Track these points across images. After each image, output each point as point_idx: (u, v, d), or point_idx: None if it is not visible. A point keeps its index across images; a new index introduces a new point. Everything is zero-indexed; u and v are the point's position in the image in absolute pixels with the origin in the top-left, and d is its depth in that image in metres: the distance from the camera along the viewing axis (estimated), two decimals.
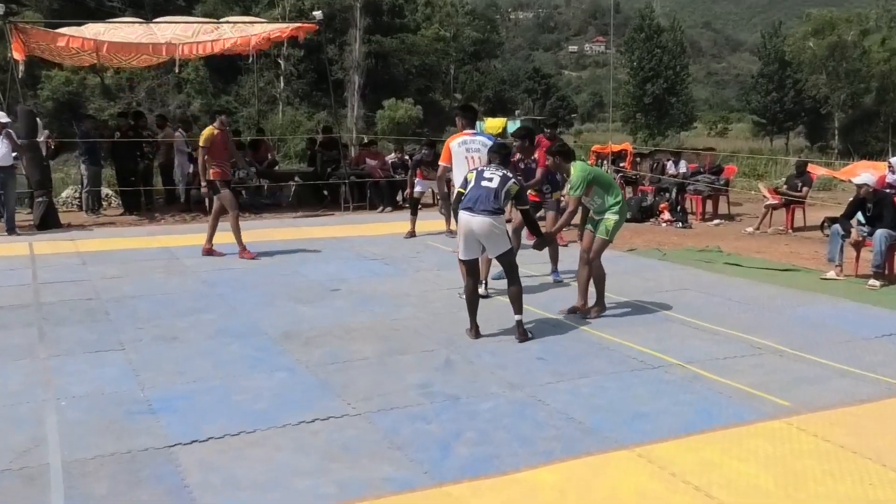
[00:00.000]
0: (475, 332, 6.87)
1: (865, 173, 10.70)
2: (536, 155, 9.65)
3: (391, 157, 17.96)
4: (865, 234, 9.77)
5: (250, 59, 15.97)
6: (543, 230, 7.79)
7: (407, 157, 17.44)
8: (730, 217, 15.62)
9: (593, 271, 7.62)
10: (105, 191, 16.74)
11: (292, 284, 9.11)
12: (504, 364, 6.15)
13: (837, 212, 11.39)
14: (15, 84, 14.21)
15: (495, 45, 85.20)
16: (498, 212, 6.64)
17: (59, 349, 6.54)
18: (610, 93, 43.84)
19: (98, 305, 8.07)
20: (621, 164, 18.72)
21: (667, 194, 15.55)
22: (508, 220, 7.56)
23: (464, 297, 7.06)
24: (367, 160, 17.11)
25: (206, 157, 10.39)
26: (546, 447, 4.61)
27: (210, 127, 10.51)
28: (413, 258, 10.80)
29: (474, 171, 6.93)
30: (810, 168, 15.09)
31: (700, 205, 15.66)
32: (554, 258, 9.35)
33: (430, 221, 13.44)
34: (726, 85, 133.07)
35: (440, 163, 8.49)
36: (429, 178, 13.13)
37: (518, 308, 6.78)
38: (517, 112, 68.96)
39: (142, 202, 16.35)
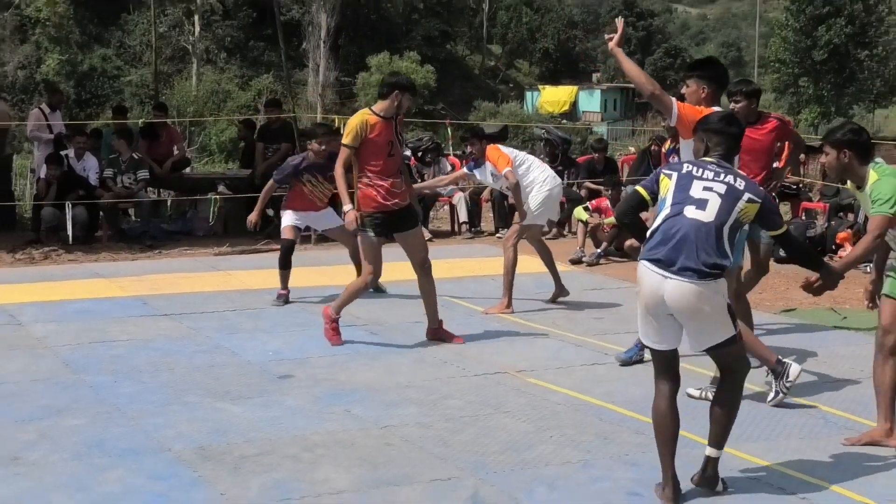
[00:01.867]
0: (672, 488, 6.17)
1: None
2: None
3: None
4: None
5: None
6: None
7: (409, 153, 17.61)
8: None
9: None
10: None
11: (214, 369, 9.18)
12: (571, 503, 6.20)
13: None
14: None
15: None
16: (716, 271, 5.96)
17: None
18: (756, 43, 44.07)
19: None
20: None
21: (850, 216, 15.59)
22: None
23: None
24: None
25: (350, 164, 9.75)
26: None
27: (364, 111, 9.80)
28: (415, 325, 10.84)
29: (672, 175, 6.31)
30: None
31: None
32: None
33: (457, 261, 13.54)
34: None
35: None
36: (312, 201, 12.50)
37: (720, 437, 6.25)
38: (596, 76, 69.37)
39: None
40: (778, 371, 8.06)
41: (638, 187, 6.44)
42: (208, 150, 34.35)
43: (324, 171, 11.99)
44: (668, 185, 6.20)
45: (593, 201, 16.23)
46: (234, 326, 10.84)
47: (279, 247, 12.59)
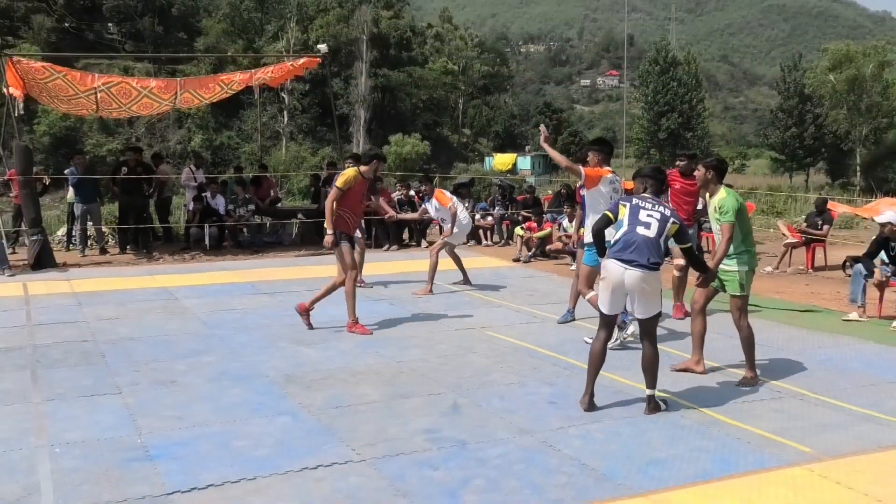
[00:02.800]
0: (589, 400, 6.15)
1: (889, 211, 10.76)
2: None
3: (397, 194, 18.07)
4: (889, 275, 9.78)
5: (255, 93, 15.99)
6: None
7: (413, 194, 17.56)
8: None
9: (740, 331, 7.05)
10: (103, 229, 16.82)
11: (295, 326, 9.14)
12: (514, 409, 6.15)
13: (860, 251, 11.42)
14: (10, 119, 14.37)
15: (505, 79, 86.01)
16: (656, 266, 6.04)
17: (53, 393, 6.57)
18: (623, 127, 44.21)
19: (94, 348, 8.11)
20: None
21: None
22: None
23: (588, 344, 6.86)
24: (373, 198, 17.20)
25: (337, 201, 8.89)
26: (557, 495, 4.61)
27: (355, 169, 9.04)
28: (420, 299, 10.85)
29: (627, 205, 6.25)
30: (831, 205, 15.13)
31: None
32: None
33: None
34: (744, 120, 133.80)
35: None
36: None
37: (651, 381, 6.11)
38: (527, 148, 69.38)
39: (150, 239, 16.45)
40: (622, 327, 8.03)
41: (606, 212, 6.39)
42: (292, 193, 34.28)
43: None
44: (625, 212, 6.19)
45: (526, 223, 16.22)
46: (307, 299, 10.75)
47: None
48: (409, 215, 14.65)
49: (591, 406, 6.12)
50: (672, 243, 6.39)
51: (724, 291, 7.10)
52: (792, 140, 55.82)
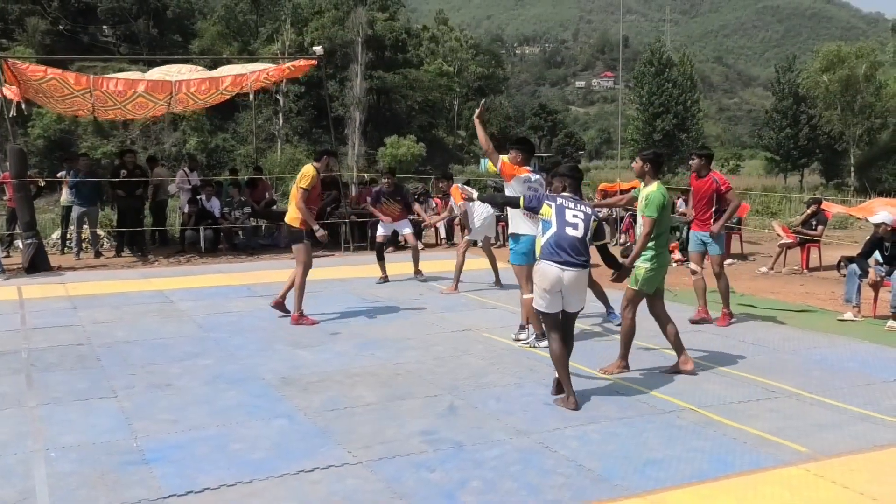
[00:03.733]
0: (573, 400, 6.18)
1: (883, 211, 10.76)
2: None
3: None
4: (883, 274, 9.80)
5: (249, 96, 15.97)
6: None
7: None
8: (743, 257, 15.66)
9: (623, 321, 7.24)
10: (99, 232, 16.77)
11: (291, 328, 9.14)
12: (510, 410, 6.15)
13: (854, 251, 11.43)
14: (4, 122, 14.34)
15: (500, 81, 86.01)
16: (587, 264, 6.24)
17: (49, 397, 6.56)
18: (619, 129, 44.21)
19: (89, 351, 8.10)
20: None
21: (677, 233, 15.60)
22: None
23: (537, 347, 7.06)
24: (368, 199, 17.20)
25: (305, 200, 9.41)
26: (554, 496, 4.61)
27: (312, 167, 9.48)
28: (416, 300, 10.84)
29: (553, 206, 6.36)
30: (825, 205, 15.15)
31: (742, 247, 15.65)
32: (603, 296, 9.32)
33: (436, 262, 13.49)
34: (738, 121, 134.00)
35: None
36: (389, 214, 12.53)
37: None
38: None
39: (146, 242, 16.43)
40: (539, 336, 8.08)
41: (521, 196, 6.74)
42: (287, 195, 34.36)
43: (392, 196, 12.58)
44: (550, 212, 6.31)
45: None
46: (304, 301, 10.73)
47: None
48: (438, 217, 14.76)
49: (576, 403, 6.15)
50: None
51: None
52: (786, 141, 55.90)
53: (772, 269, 13.90)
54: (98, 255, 15.85)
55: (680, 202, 17.09)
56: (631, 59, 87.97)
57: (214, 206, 16.47)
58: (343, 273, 13.33)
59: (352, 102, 53.40)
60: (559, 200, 6.39)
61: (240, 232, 17.12)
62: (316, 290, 11.48)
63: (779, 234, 14.73)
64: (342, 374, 7.17)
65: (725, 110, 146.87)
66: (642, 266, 7.00)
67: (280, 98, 50.86)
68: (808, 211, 14.50)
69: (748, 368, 7.29)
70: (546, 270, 6.17)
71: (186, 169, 17.84)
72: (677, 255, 14.82)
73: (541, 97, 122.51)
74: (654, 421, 5.89)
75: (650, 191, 7.00)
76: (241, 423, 5.89)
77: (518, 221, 8.07)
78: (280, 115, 52.14)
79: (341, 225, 16.80)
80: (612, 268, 6.98)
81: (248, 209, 17.05)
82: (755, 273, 13.69)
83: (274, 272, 13.44)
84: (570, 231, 6.22)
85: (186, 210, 16.77)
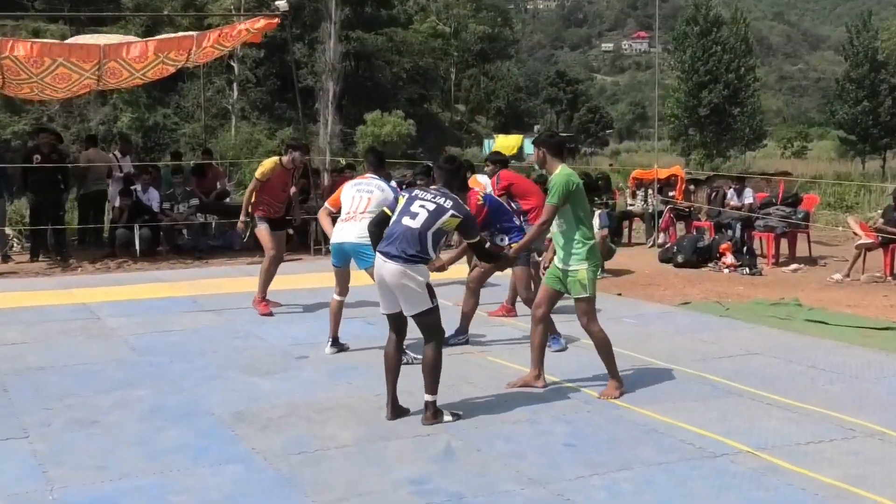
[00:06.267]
0: (392, 409, 6.92)
1: None
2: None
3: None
4: None
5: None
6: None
7: (395, 185, 17.54)
8: (811, 261, 15.66)
9: (592, 337, 7.48)
10: (7, 231, 16.68)
11: (247, 351, 9.14)
12: (522, 452, 6.13)
13: None
14: None
15: (508, 43, 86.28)
16: (414, 259, 6.61)
17: None
18: (655, 102, 44.04)
19: None
20: (671, 194, 18.76)
21: (729, 232, 15.61)
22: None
23: (415, 363, 7.47)
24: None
25: (256, 191, 11.01)
26: None
27: (275, 159, 11.15)
28: None
29: (405, 196, 6.99)
30: None
31: (772, 245, 15.70)
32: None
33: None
34: (804, 92, 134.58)
35: (326, 204, 9.61)
36: None
37: (431, 386, 6.78)
38: (537, 127, 69.57)
39: (67, 243, 16.27)
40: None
41: (384, 209, 7.17)
42: (243, 185, 34.21)
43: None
44: (401, 203, 6.87)
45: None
46: (263, 318, 10.78)
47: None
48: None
49: (395, 413, 6.85)
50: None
51: (568, 294, 7.44)
52: (864, 116, 55.94)
53: (847, 276, 13.88)
54: (6, 259, 15.80)
55: (731, 192, 17.11)
56: (670, 17, 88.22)
57: (152, 198, 16.45)
58: (312, 282, 13.27)
59: (324, 70, 53.23)
60: (415, 192, 7.00)
61: (184, 230, 17.11)
62: (279, 303, 11.45)
63: (856, 233, 14.72)
64: (310, 408, 7.15)
65: (788, 79, 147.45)
66: (579, 268, 7.22)
67: (235, 65, 50.82)
68: (893, 203, 14.49)
69: (819, 401, 7.26)
70: (376, 263, 6.79)
71: (117, 153, 17.87)
72: (730, 257, 14.82)
73: (558, 63, 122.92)
74: (702, 467, 5.87)
75: (556, 174, 7.30)
76: (185, 469, 5.86)
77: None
78: (235, 85, 52.09)
79: (311, 223, 16.64)
80: (490, 261, 7.75)
81: (194, 202, 17.02)
82: (827, 281, 13.69)
83: (226, 280, 13.44)
84: (405, 220, 6.71)
85: (118, 204, 16.74)
